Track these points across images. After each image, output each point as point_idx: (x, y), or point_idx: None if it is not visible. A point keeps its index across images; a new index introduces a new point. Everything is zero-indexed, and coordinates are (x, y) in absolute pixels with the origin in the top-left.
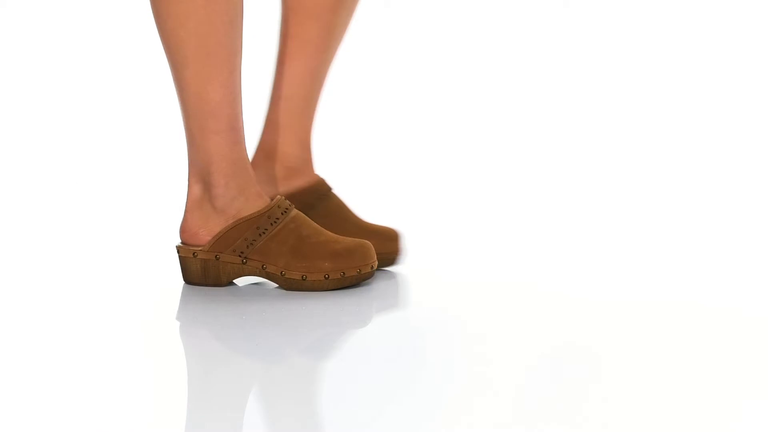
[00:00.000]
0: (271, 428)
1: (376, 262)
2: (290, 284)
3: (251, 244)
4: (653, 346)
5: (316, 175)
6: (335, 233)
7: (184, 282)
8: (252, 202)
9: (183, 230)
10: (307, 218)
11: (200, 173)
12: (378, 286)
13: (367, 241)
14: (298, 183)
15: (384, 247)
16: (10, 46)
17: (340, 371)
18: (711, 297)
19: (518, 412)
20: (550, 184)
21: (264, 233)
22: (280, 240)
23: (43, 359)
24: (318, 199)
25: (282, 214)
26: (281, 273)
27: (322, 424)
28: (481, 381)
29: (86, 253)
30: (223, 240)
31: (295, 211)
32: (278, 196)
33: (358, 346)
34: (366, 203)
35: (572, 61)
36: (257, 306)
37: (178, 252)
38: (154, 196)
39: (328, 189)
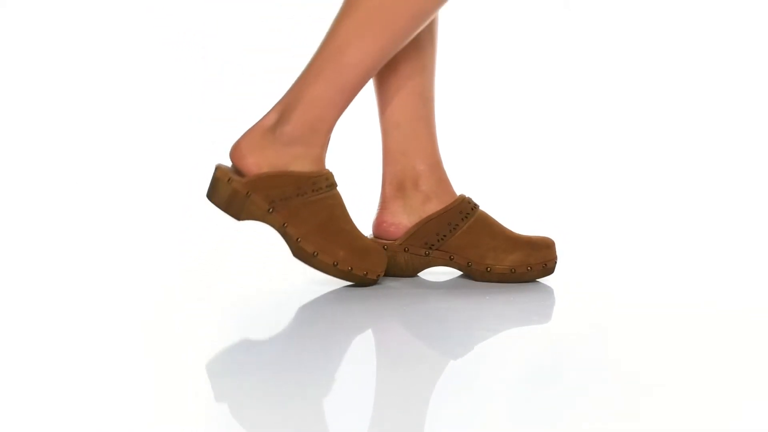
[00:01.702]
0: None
1: (382, 274)
2: (301, 254)
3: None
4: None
5: (458, 195)
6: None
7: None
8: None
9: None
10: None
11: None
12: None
13: (381, 250)
14: (436, 206)
15: (541, 256)
16: (10, 46)
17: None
18: (716, 297)
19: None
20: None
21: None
22: (314, 210)
23: (49, 359)
24: (462, 219)
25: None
26: (297, 240)
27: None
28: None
29: (86, 252)
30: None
31: (335, 192)
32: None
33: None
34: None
35: (572, 61)
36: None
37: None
38: (155, 195)
39: (473, 206)
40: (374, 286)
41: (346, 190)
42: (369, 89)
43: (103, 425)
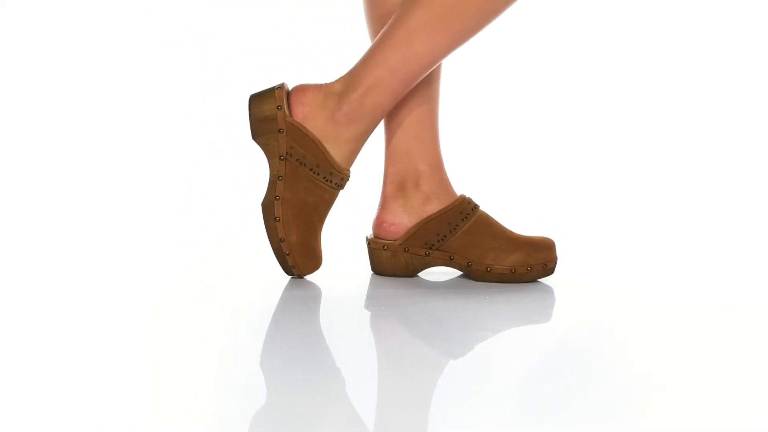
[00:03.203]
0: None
1: (306, 275)
2: (267, 210)
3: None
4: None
5: (459, 195)
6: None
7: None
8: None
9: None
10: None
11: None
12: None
13: (319, 261)
14: (436, 206)
15: (541, 257)
16: (10, 46)
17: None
18: (716, 297)
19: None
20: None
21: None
22: (309, 189)
23: (48, 360)
24: (462, 219)
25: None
26: (275, 197)
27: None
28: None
29: (86, 252)
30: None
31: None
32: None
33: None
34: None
35: (571, 62)
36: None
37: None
38: (155, 195)
39: (473, 207)
40: (374, 286)
41: (346, 189)
42: None
43: (101, 425)
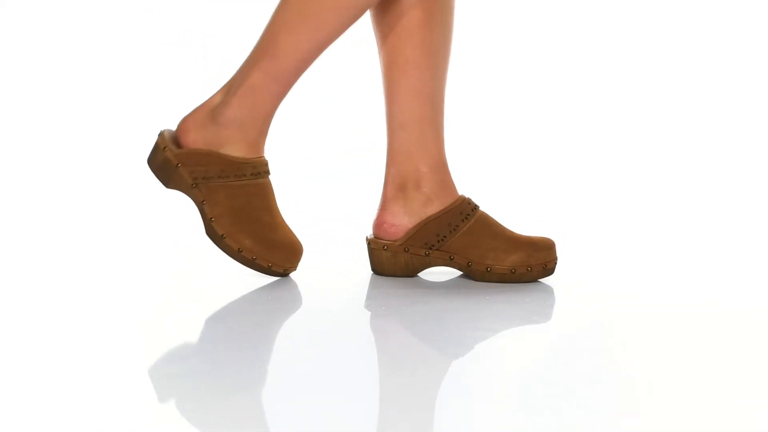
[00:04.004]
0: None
1: (292, 269)
2: (211, 234)
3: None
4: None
5: (459, 196)
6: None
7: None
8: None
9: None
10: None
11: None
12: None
13: (295, 247)
14: (437, 207)
15: (541, 257)
16: (10, 46)
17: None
18: (716, 297)
19: None
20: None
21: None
22: (231, 194)
23: (46, 360)
24: (462, 220)
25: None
26: (210, 219)
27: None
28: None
29: (81, 253)
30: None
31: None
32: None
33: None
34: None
35: (571, 61)
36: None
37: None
38: (155, 195)
39: (473, 207)
40: (374, 286)
41: (347, 189)
42: (374, 89)
43: (100, 425)
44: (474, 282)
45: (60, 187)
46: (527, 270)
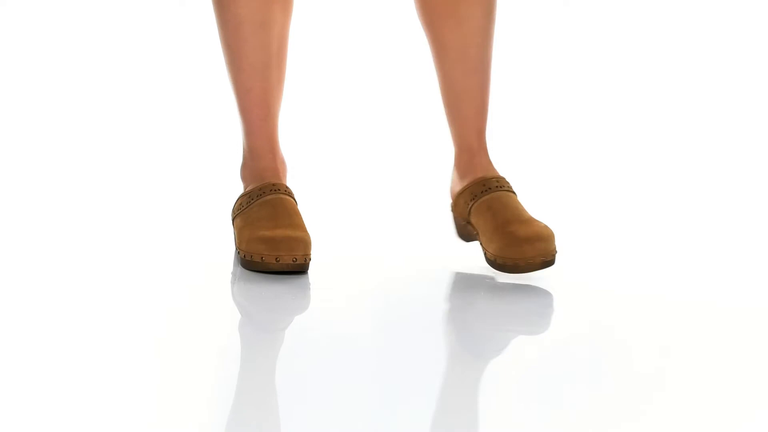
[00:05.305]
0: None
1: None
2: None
3: None
4: None
5: (492, 172)
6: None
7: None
8: None
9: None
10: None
11: None
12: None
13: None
14: (469, 179)
15: (518, 252)
16: (10, 46)
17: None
18: (718, 296)
19: None
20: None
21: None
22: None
23: (46, 361)
24: (482, 192)
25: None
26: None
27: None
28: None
29: (81, 255)
30: None
31: None
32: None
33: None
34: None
35: (572, 57)
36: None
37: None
38: (154, 195)
39: (498, 186)
40: (374, 287)
41: (353, 189)
42: (374, 90)
43: (102, 426)
44: (476, 282)
45: (60, 189)
46: (506, 263)
